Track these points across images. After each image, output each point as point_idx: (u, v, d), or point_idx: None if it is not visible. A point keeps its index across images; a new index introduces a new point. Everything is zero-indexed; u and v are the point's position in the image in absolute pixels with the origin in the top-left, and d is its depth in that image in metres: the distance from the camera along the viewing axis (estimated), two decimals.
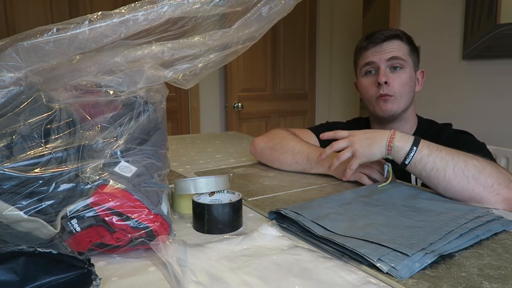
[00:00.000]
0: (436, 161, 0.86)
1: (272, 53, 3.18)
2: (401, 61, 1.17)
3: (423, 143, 0.89)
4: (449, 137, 1.17)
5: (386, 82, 1.16)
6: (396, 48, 1.18)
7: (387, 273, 0.58)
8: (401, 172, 1.18)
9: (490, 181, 0.84)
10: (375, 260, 0.59)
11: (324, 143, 1.32)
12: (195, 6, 0.66)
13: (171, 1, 0.65)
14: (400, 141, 0.89)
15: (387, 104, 1.17)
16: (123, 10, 0.64)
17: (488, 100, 2.18)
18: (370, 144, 0.91)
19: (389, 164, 0.95)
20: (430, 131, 1.24)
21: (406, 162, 0.88)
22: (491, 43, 2.11)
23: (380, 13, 3.97)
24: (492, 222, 0.74)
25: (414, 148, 0.88)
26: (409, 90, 1.19)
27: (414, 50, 1.23)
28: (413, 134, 1.22)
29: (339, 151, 0.97)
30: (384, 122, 1.24)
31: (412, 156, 0.88)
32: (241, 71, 3.04)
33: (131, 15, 0.63)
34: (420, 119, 1.29)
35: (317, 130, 1.37)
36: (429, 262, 0.60)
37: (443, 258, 0.62)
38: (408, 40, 1.21)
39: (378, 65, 1.18)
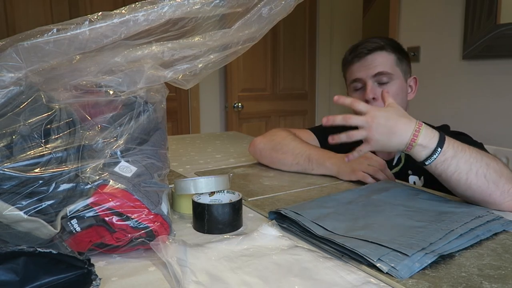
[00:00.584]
0: (459, 164, 0.79)
1: (272, 53, 3.18)
2: (387, 75, 1.12)
3: (448, 142, 0.80)
4: None
5: (374, 98, 1.12)
6: (381, 61, 1.13)
7: (387, 273, 0.58)
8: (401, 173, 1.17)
9: (508, 186, 0.81)
10: (375, 260, 0.59)
11: (325, 144, 1.33)
12: (196, 7, 0.66)
13: (171, 2, 0.65)
14: (425, 140, 0.79)
15: None
16: (123, 11, 0.64)
17: (488, 100, 2.18)
18: (389, 134, 0.80)
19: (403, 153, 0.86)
20: None
21: (427, 163, 0.80)
22: (491, 43, 2.11)
23: (380, 13, 3.97)
24: (492, 222, 0.74)
25: (439, 149, 0.79)
26: (401, 101, 1.13)
27: (403, 57, 1.17)
28: None
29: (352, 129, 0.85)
30: None
31: (435, 158, 0.79)
32: (241, 71, 3.04)
33: (131, 15, 0.63)
34: None
35: (318, 130, 1.36)
36: (429, 262, 0.60)
37: (443, 258, 0.62)
38: (395, 49, 1.16)
39: (365, 81, 1.14)
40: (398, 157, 0.86)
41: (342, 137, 0.83)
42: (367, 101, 1.12)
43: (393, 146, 0.81)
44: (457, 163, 0.79)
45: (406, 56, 1.19)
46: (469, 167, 0.79)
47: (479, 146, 1.11)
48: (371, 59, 1.13)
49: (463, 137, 1.15)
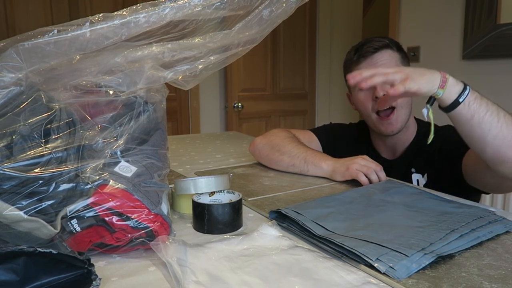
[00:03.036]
0: (488, 104, 0.81)
1: (272, 53, 3.18)
2: None
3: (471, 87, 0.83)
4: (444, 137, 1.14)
5: (384, 95, 1.10)
6: (387, 58, 1.13)
7: (384, 273, 0.57)
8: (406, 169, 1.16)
9: None
10: (373, 260, 0.59)
11: (326, 146, 1.33)
12: (197, 9, 0.66)
13: (172, 4, 0.65)
14: (452, 77, 0.82)
15: (391, 126, 1.13)
16: (124, 12, 0.64)
17: None
18: (422, 73, 0.82)
19: (430, 107, 0.85)
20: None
21: (460, 100, 0.80)
22: (491, 43, 2.11)
23: (380, 13, 3.97)
24: (494, 223, 0.73)
25: (467, 86, 0.81)
26: (408, 99, 1.14)
27: (405, 56, 1.18)
28: (413, 140, 1.20)
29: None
30: (385, 136, 1.22)
31: (468, 94, 0.80)
32: (241, 71, 3.04)
33: (132, 17, 0.63)
34: (420, 126, 1.24)
35: (319, 132, 1.36)
36: (427, 263, 0.60)
37: (443, 258, 0.62)
38: (398, 48, 1.17)
39: None
40: (426, 114, 0.85)
41: (376, 79, 0.83)
42: (376, 98, 1.12)
43: (429, 81, 0.81)
44: (487, 103, 0.81)
45: (406, 56, 1.20)
46: (497, 110, 0.81)
47: None
48: (378, 57, 1.13)
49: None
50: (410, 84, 0.80)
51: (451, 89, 0.81)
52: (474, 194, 1.08)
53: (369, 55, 1.14)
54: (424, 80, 0.81)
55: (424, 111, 0.84)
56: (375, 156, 1.21)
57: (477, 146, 0.86)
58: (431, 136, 0.86)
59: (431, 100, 0.83)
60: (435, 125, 1.24)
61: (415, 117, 1.26)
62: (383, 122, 1.14)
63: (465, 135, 0.86)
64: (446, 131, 1.19)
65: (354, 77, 0.83)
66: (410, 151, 1.20)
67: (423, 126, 1.24)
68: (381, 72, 0.82)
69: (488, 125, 0.80)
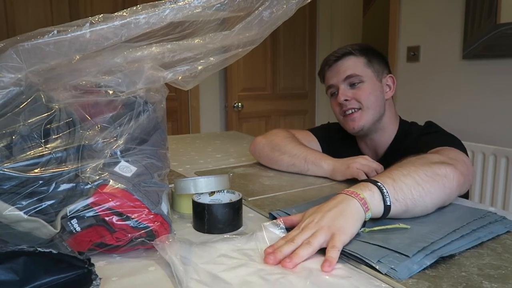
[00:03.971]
0: (403, 181, 0.74)
1: (272, 53, 3.18)
2: (357, 77, 1.16)
3: (378, 176, 0.77)
4: (415, 139, 1.13)
5: (347, 100, 1.16)
6: (349, 65, 1.17)
7: (385, 274, 0.57)
8: None
9: (443, 169, 0.79)
10: (374, 262, 0.59)
11: (325, 145, 1.33)
12: (197, 11, 0.66)
13: (173, 5, 0.65)
14: (364, 191, 0.72)
15: (354, 122, 1.17)
16: (124, 13, 0.64)
17: (488, 99, 2.18)
18: (340, 214, 0.68)
19: (364, 229, 0.71)
20: (408, 137, 1.19)
21: (388, 203, 0.72)
22: (491, 42, 2.11)
23: (380, 13, 3.96)
24: (494, 224, 0.74)
25: (379, 184, 0.73)
26: (375, 100, 1.16)
27: (374, 59, 1.19)
28: (393, 141, 1.20)
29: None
30: (360, 136, 1.24)
31: (387, 192, 0.72)
32: (241, 70, 3.04)
33: (132, 18, 0.63)
34: (402, 126, 1.23)
35: (318, 131, 1.37)
36: (428, 264, 0.60)
37: (443, 257, 0.62)
38: (363, 52, 1.19)
39: (338, 86, 1.19)
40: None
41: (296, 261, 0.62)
42: (340, 105, 1.18)
43: (353, 218, 0.68)
44: (403, 182, 0.74)
45: (378, 57, 1.21)
46: (412, 178, 0.75)
47: (449, 137, 1.09)
48: (340, 64, 1.19)
49: (434, 132, 1.14)
50: (341, 239, 0.64)
51: (375, 203, 0.71)
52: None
53: (332, 63, 1.20)
54: (349, 223, 0.67)
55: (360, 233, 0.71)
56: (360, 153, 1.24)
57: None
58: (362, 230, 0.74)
59: (364, 223, 0.70)
60: (417, 124, 1.23)
61: (400, 118, 1.26)
62: (347, 120, 1.19)
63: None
64: (422, 130, 1.18)
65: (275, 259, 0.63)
66: (389, 152, 1.21)
67: (406, 125, 1.24)
68: (300, 255, 0.63)
69: (421, 199, 0.75)
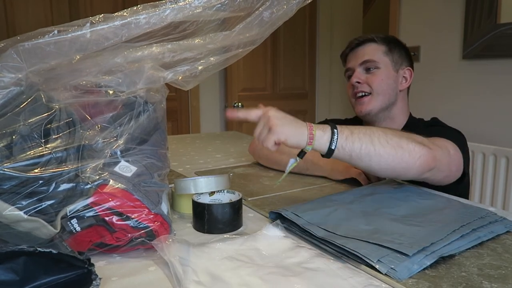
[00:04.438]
0: (360, 137, 0.81)
1: (272, 53, 3.18)
2: (373, 63, 1.20)
3: (340, 126, 0.83)
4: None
5: (359, 82, 1.20)
6: (368, 51, 1.21)
7: (385, 274, 0.57)
8: None
9: (411, 145, 0.83)
10: (374, 261, 0.59)
11: None
12: (197, 11, 0.66)
13: (173, 5, 0.65)
14: (319, 127, 0.81)
15: (362, 106, 1.20)
16: (125, 13, 0.64)
17: (488, 99, 2.18)
18: (289, 124, 0.80)
19: (299, 159, 0.84)
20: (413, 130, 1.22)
21: (333, 147, 0.80)
22: (491, 42, 2.11)
23: (380, 13, 3.96)
24: (494, 224, 0.74)
25: (335, 130, 0.80)
26: (387, 88, 1.20)
27: (395, 49, 1.23)
28: None
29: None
30: (368, 121, 1.25)
31: (337, 139, 0.80)
32: (241, 70, 3.04)
33: (133, 18, 0.63)
34: (411, 120, 1.28)
35: None
36: (428, 263, 0.60)
37: (443, 257, 0.62)
38: (385, 40, 1.23)
39: (354, 69, 1.23)
40: (290, 165, 0.85)
41: (240, 114, 0.83)
42: (353, 87, 1.22)
43: (297, 134, 0.80)
44: (359, 138, 0.81)
45: (400, 49, 1.24)
46: (370, 138, 0.82)
47: (449, 131, 1.11)
48: (360, 49, 1.23)
49: (439, 125, 1.17)
50: (276, 134, 0.78)
51: (320, 141, 0.80)
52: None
53: (354, 48, 1.25)
54: (290, 132, 0.79)
55: (291, 160, 0.84)
56: None
57: (373, 173, 0.89)
58: (278, 182, 0.90)
59: (302, 154, 0.83)
60: (423, 120, 1.25)
61: (411, 114, 1.27)
62: (357, 103, 1.22)
63: (356, 167, 0.87)
64: (426, 123, 1.21)
65: (231, 112, 0.84)
66: None
67: (414, 120, 1.27)
68: (249, 114, 0.83)
69: (368, 157, 0.81)
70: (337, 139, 0.80)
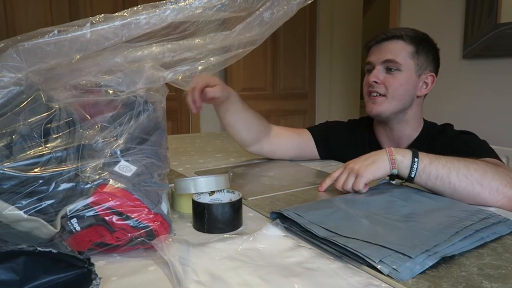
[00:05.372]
0: (438, 169, 0.86)
1: (272, 53, 3.18)
2: (396, 64, 1.13)
3: (421, 153, 0.89)
4: (451, 138, 1.14)
5: (376, 82, 1.15)
6: (393, 49, 1.14)
7: (387, 275, 0.57)
8: None
9: (494, 184, 0.84)
10: (376, 262, 0.59)
11: (321, 145, 1.34)
12: (198, 11, 0.66)
13: (173, 6, 0.65)
14: (399, 154, 0.89)
15: (374, 105, 1.16)
16: (125, 13, 0.64)
17: (488, 99, 2.18)
18: (372, 163, 0.90)
19: (399, 181, 0.96)
20: (431, 134, 1.20)
21: (412, 175, 0.88)
22: (491, 42, 2.11)
23: (380, 13, 3.96)
24: (498, 225, 0.73)
25: (415, 159, 0.87)
26: (404, 93, 1.14)
27: (422, 51, 1.15)
28: (417, 138, 1.21)
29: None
30: (381, 122, 1.23)
31: (416, 168, 0.87)
32: (241, 70, 3.04)
33: (133, 18, 0.63)
34: (426, 124, 1.24)
35: (316, 130, 1.38)
36: (431, 264, 0.59)
37: (443, 257, 0.62)
38: (414, 40, 1.14)
39: (374, 65, 1.16)
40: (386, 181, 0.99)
41: (327, 182, 0.98)
42: (369, 84, 1.17)
43: (380, 167, 0.90)
44: (436, 169, 0.86)
45: (428, 52, 1.17)
46: (449, 170, 0.86)
47: (482, 143, 1.10)
48: (386, 45, 1.16)
49: (466, 136, 1.14)
50: (364, 179, 0.89)
51: (401, 166, 0.89)
52: None
53: (380, 42, 1.17)
54: (374, 169, 0.89)
55: (393, 183, 0.97)
56: (377, 148, 1.22)
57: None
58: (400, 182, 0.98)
59: (392, 177, 0.93)
60: (436, 124, 1.25)
61: (424, 119, 1.25)
62: (369, 100, 1.19)
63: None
64: (447, 131, 1.19)
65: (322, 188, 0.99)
66: (415, 146, 1.20)
67: (431, 127, 1.24)
68: (333, 177, 0.97)
69: (442, 188, 0.87)
70: (417, 167, 0.87)
